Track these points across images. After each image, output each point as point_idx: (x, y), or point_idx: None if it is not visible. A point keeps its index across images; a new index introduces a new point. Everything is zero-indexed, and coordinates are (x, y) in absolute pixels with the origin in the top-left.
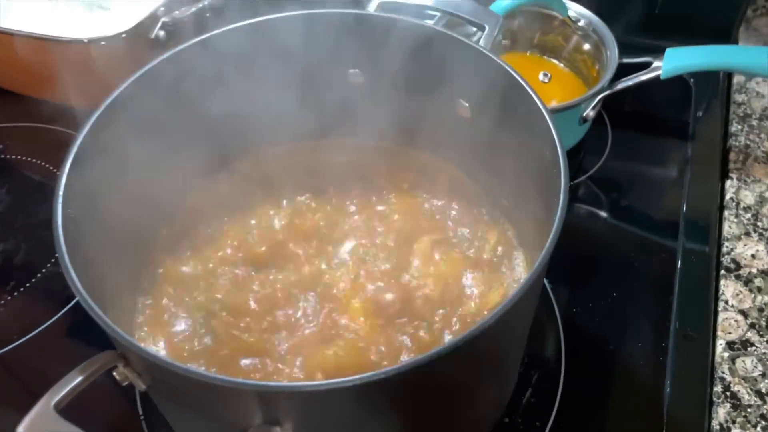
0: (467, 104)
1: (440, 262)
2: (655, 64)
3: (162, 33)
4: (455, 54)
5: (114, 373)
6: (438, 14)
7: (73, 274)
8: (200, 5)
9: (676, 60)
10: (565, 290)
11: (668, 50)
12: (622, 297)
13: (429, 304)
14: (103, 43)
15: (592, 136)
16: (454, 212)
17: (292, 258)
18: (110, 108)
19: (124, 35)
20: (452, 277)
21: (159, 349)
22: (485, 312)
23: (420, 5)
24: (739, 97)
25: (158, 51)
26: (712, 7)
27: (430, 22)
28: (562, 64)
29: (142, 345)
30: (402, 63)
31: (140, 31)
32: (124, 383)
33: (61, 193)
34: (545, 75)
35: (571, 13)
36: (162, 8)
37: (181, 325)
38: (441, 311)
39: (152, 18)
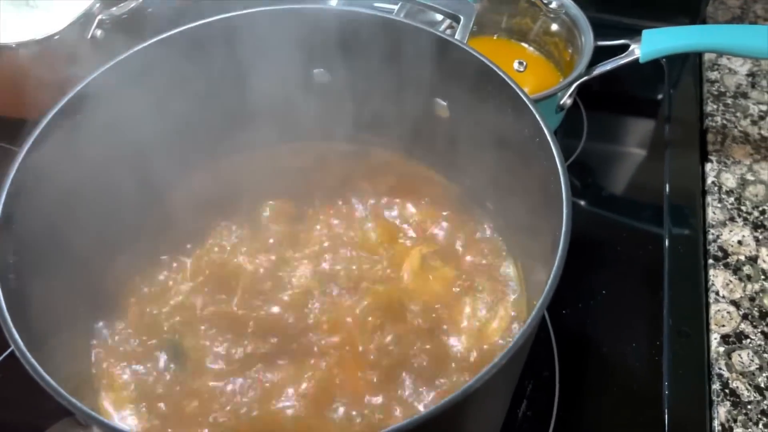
0: (445, 103)
1: (431, 279)
2: (633, 47)
3: (99, 32)
4: (429, 49)
5: None
6: (399, 4)
7: (17, 337)
8: (140, 0)
9: (654, 43)
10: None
11: (645, 32)
12: (611, 294)
13: (423, 333)
14: (34, 46)
15: (566, 120)
16: (438, 220)
17: (265, 283)
18: (46, 130)
19: (57, 36)
20: (445, 297)
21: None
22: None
23: None
24: (711, 75)
25: (96, 52)
26: None
27: (393, 7)
28: (531, 48)
29: (101, 417)
30: (370, 60)
31: (75, 31)
32: None
33: None
34: (520, 63)
35: None
36: (98, 5)
37: (143, 363)
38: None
39: (88, 16)
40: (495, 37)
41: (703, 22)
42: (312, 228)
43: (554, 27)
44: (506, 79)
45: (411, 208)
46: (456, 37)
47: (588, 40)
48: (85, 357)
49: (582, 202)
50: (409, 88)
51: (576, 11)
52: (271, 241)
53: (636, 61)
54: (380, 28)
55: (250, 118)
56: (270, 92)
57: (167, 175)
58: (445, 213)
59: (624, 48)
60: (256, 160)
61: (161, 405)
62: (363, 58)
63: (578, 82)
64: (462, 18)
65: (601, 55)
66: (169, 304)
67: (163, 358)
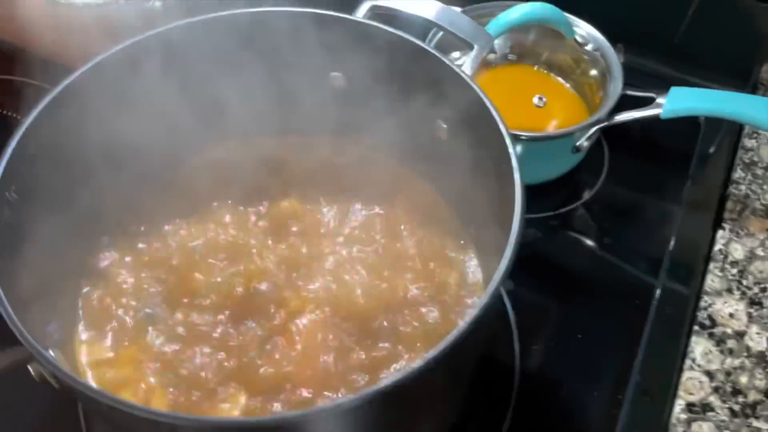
0: (445, 126)
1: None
2: (658, 100)
3: (158, 4)
4: (436, 72)
5: (29, 367)
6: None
7: None
8: None
9: (680, 101)
10: (530, 325)
11: (673, 89)
12: (587, 339)
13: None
14: (94, 9)
15: (588, 159)
16: (417, 227)
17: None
18: (63, 92)
19: (118, 2)
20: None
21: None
22: None
23: (415, 15)
24: (748, 142)
25: (151, 23)
26: (735, 43)
27: (429, 15)
28: (568, 84)
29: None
30: (382, 74)
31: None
32: (38, 380)
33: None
34: (540, 99)
35: (578, 37)
36: None
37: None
38: None
39: None
40: (535, 68)
41: (754, 86)
42: (305, 225)
43: (593, 72)
44: (488, 105)
45: (400, 215)
46: (465, 65)
47: (616, 87)
48: (70, 318)
49: (588, 241)
50: (416, 106)
51: (611, 55)
52: (262, 236)
53: (657, 116)
54: (393, 45)
55: (255, 114)
56: (277, 89)
57: (167, 152)
58: (428, 224)
59: (651, 100)
60: (257, 155)
61: (142, 367)
62: (375, 69)
63: (597, 127)
64: (475, 47)
65: (631, 104)
66: (156, 274)
67: (145, 325)
